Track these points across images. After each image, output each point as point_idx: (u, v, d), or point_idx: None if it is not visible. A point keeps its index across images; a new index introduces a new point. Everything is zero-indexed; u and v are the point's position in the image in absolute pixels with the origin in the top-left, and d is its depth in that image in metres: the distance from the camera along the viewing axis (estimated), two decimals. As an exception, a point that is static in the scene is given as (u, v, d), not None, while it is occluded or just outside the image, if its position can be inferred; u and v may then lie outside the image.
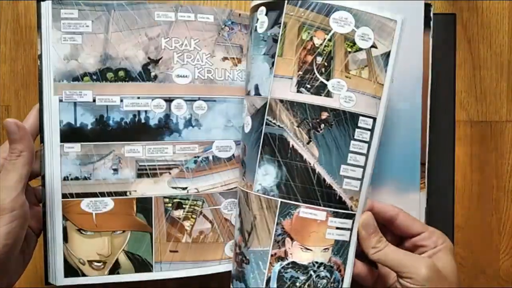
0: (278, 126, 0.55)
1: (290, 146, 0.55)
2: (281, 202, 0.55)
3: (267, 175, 0.55)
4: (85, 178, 0.60)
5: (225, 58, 0.63)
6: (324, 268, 0.56)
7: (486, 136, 0.73)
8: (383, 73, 0.54)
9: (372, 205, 0.58)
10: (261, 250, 0.56)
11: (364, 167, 0.56)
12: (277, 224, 0.55)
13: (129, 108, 0.60)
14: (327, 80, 0.54)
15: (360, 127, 0.55)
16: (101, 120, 0.60)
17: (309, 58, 0.54)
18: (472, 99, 0.72)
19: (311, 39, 0.54)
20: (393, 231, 0.60)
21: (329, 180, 0.55)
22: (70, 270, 0.59)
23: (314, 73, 0.54)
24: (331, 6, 0.53)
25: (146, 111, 0.60)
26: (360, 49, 0.54)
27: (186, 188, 0.62)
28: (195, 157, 0.62)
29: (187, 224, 0.62)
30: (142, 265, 0.61)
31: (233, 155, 0.63)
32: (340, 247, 0.56)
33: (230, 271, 0.63)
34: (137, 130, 0.61)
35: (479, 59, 0.72)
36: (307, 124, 0.54)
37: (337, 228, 0.56)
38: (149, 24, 0.60)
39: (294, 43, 0.54)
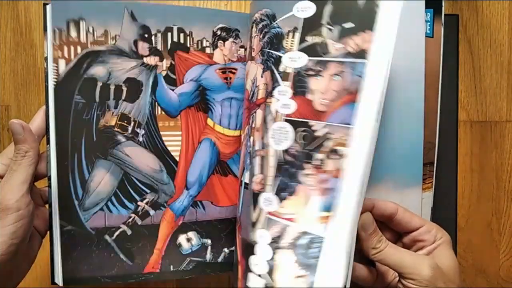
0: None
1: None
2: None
3: None
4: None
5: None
6: None
7: (486, 136, 0.74)
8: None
9: (372, 204, 0.58)
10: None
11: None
12: None
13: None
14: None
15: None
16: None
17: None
18: (472, 99, 0.73)
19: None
20: (392, 228, 0.60)
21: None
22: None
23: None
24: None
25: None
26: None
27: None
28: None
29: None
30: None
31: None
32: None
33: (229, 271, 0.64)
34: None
35: (479, 59, 0.73)
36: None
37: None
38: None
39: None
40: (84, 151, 0.59)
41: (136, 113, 0.60)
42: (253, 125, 0.58)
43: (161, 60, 0.61)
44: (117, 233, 0.60)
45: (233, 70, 0.63)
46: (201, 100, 0.63)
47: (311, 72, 0.53)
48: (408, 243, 0.60)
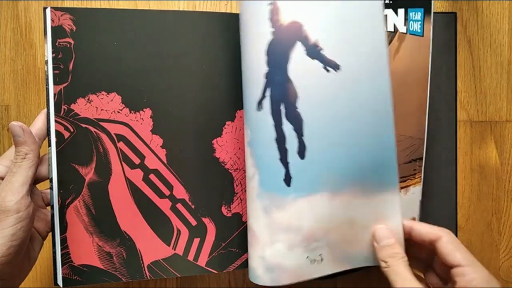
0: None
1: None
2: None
3: None
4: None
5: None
6: None
7: (486, 136, 0.74)
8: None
9: (411, 227, 0.57)
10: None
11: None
12: None
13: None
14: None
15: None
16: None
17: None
18: (472, 99, 0.74)
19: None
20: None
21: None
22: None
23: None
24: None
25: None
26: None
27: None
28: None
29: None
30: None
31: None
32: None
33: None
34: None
35: (479, 59, 0.74)
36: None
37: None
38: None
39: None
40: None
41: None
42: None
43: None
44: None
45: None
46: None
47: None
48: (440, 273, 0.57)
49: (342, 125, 0.57)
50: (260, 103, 0.56)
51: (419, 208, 0.65)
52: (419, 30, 0.63)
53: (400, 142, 0.65)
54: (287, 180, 0.56)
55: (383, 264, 0.55)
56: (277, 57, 0.56)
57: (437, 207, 0.70)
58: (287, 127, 0.56)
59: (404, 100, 0.62)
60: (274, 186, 0.57)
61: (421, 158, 0.65)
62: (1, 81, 0.72)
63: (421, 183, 0.66)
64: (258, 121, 0.57)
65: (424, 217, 0.67)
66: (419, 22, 0.63)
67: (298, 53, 0.55)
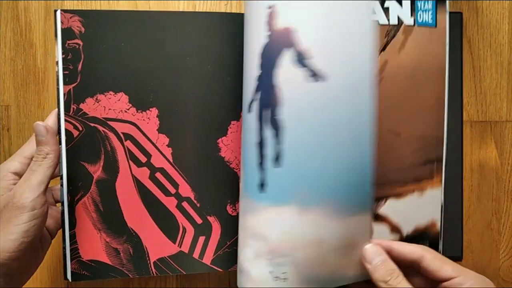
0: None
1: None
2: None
3: None
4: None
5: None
6: None
7: (486, 136, 0.75)
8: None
9: (389, 247, 0.57)
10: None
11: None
12: None
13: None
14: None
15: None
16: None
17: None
18: (472, 99, 0.75)
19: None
20: (422, 274, 0.56)
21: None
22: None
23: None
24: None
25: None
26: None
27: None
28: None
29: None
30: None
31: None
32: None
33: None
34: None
35: (479, 59, 0.75)
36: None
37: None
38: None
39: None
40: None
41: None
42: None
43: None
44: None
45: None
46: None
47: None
48: None
49: (321, 138, 0.56)
50: (250, 105, 0.57)
51: (440, 213, 0.62)
52: (430, 21, 0.61)
53: (409, 143, 0.61)
54: (262, 186, 0.56)
55: (382, 285, 0.54)
56: (269, 61, 0.56)
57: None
58: (268, 133, 0.56)
59: (414, 97, 0.60)
60: (251, 190, 0.57)
61: (440, 160, 0.62)
62: (1, 81, 0.72)
63: (442, 185, 0.62)
64: (247, 123, 0.58)
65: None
66: (430, 12, 0.61)
67: (287, 59, 0.55)
